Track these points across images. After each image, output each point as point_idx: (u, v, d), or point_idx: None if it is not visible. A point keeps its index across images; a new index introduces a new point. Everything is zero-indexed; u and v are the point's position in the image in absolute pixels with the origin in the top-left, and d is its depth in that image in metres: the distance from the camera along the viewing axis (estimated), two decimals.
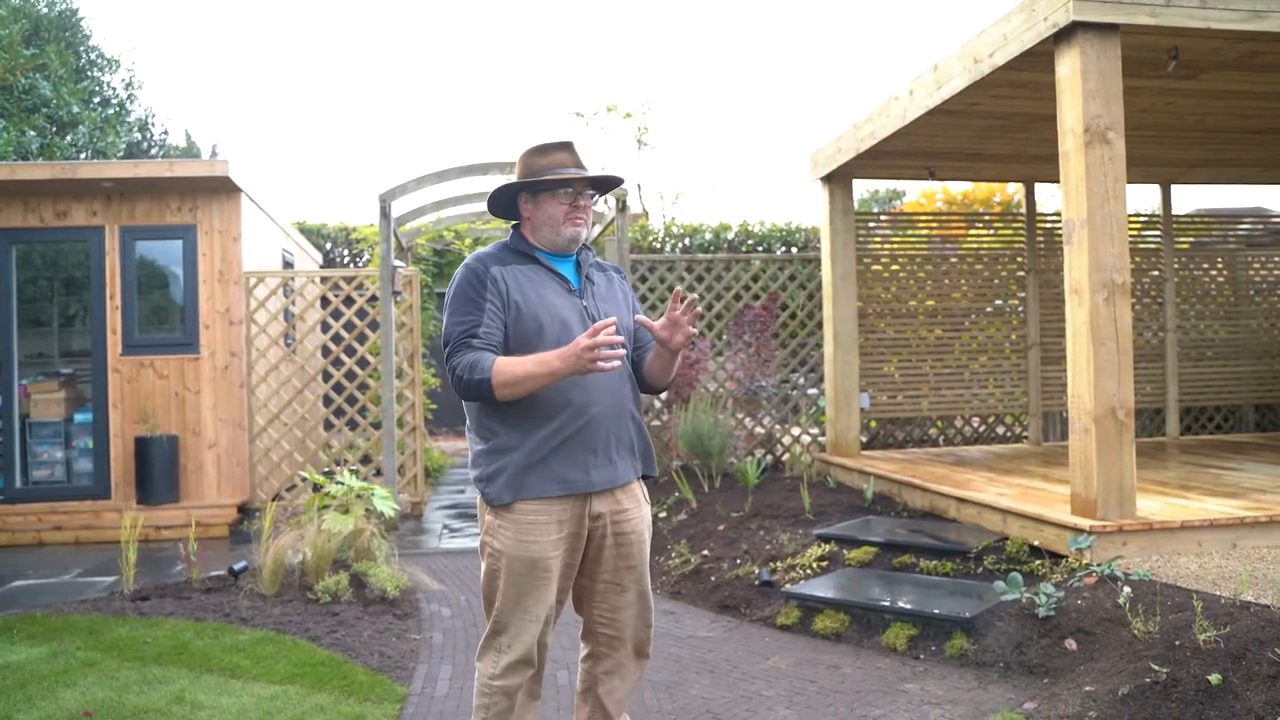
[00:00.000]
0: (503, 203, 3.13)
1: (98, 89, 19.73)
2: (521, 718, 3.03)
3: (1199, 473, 6.91)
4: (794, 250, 13.25)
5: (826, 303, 8.71)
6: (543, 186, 3.01)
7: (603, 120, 17.15)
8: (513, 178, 3.14)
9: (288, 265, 11.05)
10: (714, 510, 7.10)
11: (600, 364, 2.68)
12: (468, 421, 3.09)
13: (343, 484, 6.02)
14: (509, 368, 2.80)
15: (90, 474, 8.64)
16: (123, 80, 20.45)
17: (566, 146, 3.07)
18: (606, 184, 3.16)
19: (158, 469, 8.36)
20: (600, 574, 3.09)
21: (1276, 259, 10.11)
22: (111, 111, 19.61)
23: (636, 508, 3.11)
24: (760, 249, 13.59)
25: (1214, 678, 3.47)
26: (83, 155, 17.59)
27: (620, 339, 2.69)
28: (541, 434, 2.91)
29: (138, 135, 20.69)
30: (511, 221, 3.19)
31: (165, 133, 21.75)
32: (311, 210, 35.61)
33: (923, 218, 11.29)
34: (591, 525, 3.02)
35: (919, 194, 24.71)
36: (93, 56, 19.81)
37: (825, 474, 8.35)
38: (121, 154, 18.81)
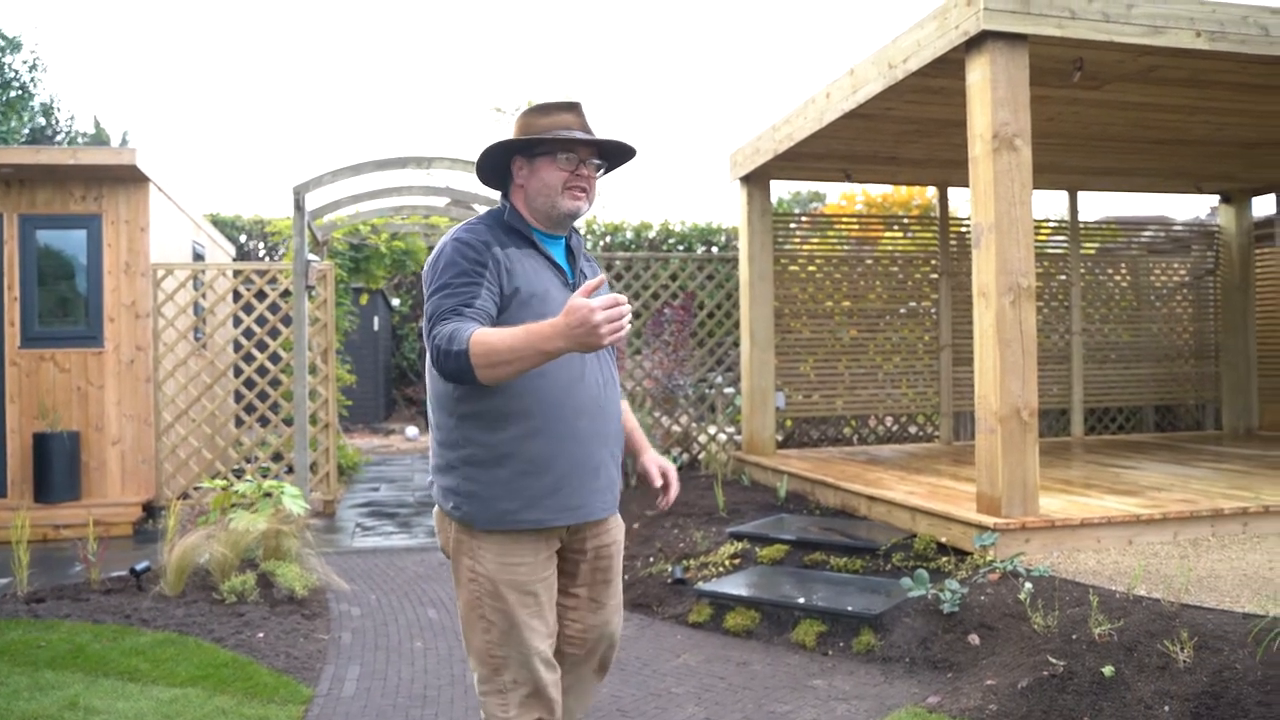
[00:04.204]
0: (494, 169, 2.69)
1: None
2: None
3: (1100, 471, 7.13)
4: (714, 249, 13.35)
5: (744, 302, 8.78)
6: (541, 148, 2.59)
7: None
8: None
9: (199, 258, 10.76)
10: (629, 508, 7.10)
11: (608, 337, 2.15)
12: (433, 419, 2.64)
13: (251, 482, 5.90)
14: (489, 339, 2.25)
15: None
16: (25, 62, 19.73)
17: (573, 107, 2.64)
18: (617, 156, 2.72)
19: (57, 466, 8.07)
20: (574, 588, 2.75)
21: (1175, 265, 10.49)
22: (13, 94, 18.90)
23: (614, 519, 2.86)
24: (681, 248, 13.65)
25: (1107, 670, 3.58)
26: None
27: (627, 311, 2.19)
28: (530, 453, 2.51)
29: (42, 120, 19.99)
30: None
31: (72, 118, 21.09)
32: (225, 203, 34.72)
33: (840, 219, 11.45)
34: (570, 539, 2.71)
35: (839, 196, 25.02)
36: None
37: (740, 472, 8.42)
38: (24, 139, 18.16)
